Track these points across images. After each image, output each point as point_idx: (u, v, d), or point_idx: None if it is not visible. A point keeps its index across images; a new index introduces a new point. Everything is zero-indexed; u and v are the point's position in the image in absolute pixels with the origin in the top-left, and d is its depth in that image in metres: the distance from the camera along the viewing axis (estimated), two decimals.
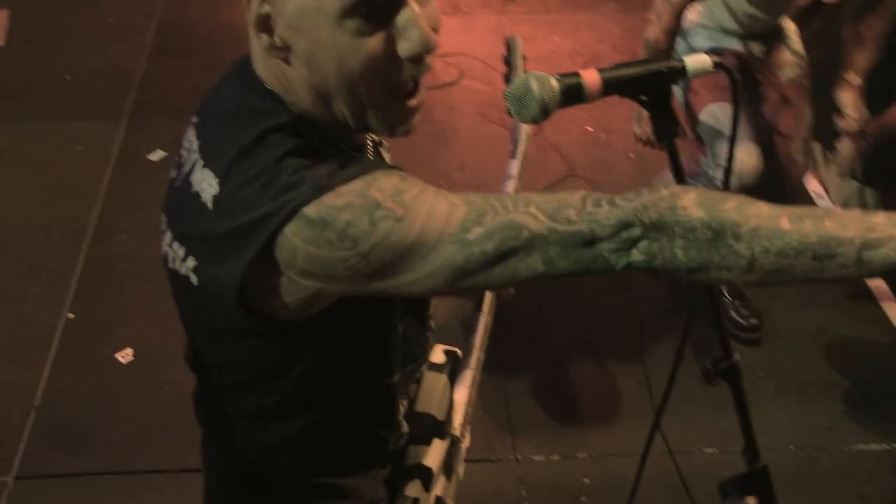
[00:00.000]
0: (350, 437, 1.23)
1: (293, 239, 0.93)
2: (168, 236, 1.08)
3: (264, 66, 1.02)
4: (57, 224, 3.17)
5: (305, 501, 1.27)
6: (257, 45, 1.00)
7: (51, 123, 3.63)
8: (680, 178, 1.23)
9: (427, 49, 0.97)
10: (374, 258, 0.93)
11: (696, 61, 1.13)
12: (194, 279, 1.03)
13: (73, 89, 3.81)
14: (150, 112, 3.72)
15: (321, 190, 0.92)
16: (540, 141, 3.63)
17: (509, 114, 1.12)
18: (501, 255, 0.92)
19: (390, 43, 0.96)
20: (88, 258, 3.04)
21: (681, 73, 1.12)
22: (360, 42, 0.94)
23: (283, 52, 0.98)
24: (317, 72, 0.97)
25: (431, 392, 1.40)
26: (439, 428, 1.41)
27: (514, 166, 1.80)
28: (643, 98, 1.14)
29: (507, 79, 1.75)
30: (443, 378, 1.43)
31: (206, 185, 0.99)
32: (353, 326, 1.09)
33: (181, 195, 1.04)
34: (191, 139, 1.07)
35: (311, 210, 0.92)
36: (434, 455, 1.38)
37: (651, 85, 1.13)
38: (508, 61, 1.80)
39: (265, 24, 0.96)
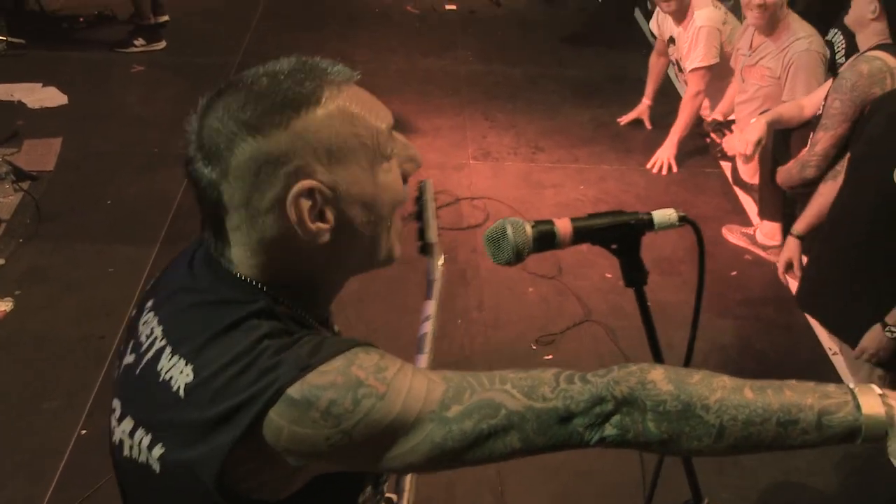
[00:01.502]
0: None
1: (277, 420, 0.94)
2: (126, 424, 1.06)
3: (250, 256, 1.04)
4: (82, 341, 3.26)
5: None
6: (301, 237, 1.02)
7: (89, 246, 3.78)
8: (650, 327, 1.27)
9: (421, 161, 1.13)
10: (357, 435, 0.94)
11: (663, 215, 1.20)
12: (157, 467, 1.01)
13: (113, 214, 3.98)
14: (184, 239, 3.83)
15: (304, 370, 0.94)
16: (559, 285, 3.69)
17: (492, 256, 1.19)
18: (480, 434, 0.95)
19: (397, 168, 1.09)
20: (107, 376, 3.12)
21: (648, 225, 1.19)
22: (394, 176, 1.07)
23: (326, 232, 1.02)
24: (370, 228, 1.06)
25: None
26: None
27: (431, 307, 1.80)
28: (613, 247, 1.21)
29: (417, 217, 1.82)
30: None
31: (177, 372, 0.99)
32: (322, 500, 1.08)
33: (144, 382, 1.03)
34: (151, 324, 1.07)
35: (294, 390, 0.93)
36: None
37: (620, 235, 1.20)
38: (419, 203, 1.86)
39: (322, 218, 1.02)
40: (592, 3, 6.79)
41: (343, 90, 1.03)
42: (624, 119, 5.02)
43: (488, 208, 4.19)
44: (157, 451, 1.01)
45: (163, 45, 5.55)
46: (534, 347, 3.39)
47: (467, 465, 0.96)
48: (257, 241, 1.03)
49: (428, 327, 1.78)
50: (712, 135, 4.71)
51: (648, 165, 4.60)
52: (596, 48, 5.99)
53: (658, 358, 1.30)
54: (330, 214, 1.02)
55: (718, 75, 4.50)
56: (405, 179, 1.10)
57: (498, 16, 6.50)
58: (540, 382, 0.97)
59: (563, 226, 1.16)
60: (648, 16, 5.58)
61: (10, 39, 5.04)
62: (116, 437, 1.08)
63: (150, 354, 1.04)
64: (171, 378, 0.99)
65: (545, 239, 1.16)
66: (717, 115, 4.70)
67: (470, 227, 4.07)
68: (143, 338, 1.07)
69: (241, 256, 1.04)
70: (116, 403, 1.09)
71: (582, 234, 1.17)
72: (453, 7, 6.56)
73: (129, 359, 1.09)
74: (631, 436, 0.96)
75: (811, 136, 3.40)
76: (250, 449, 0.95)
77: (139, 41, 5.44)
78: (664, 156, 4.58)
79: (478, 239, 4.01)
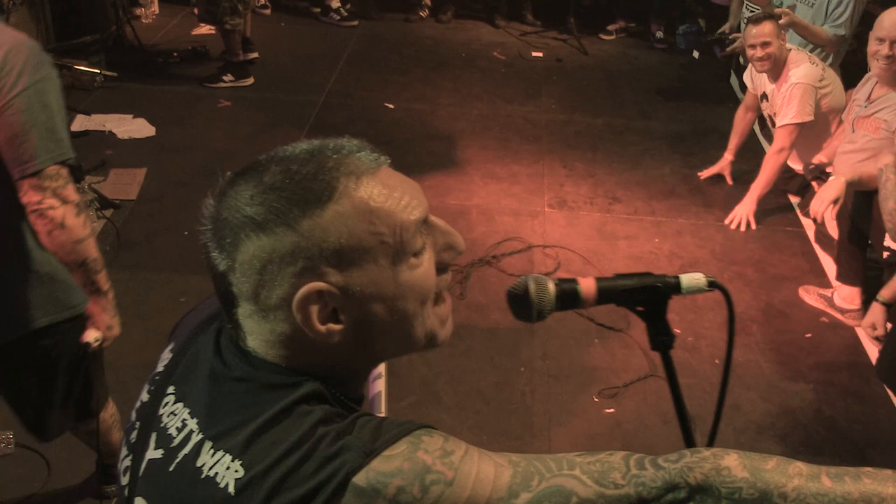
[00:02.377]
0: None
1: None
2: None
3: (269, 346, 0.98)
4: (144, 368, 3.35)
5: None
6: (311, 337, 0.96)
7: (163, 275, 3.90)
8: (676, 393, 1.26)
9: (463, 248, 1.05)
10: None
11: (691, 279, 1.18)
12: None
13: (188, 245, 4.09)
14: None
15: (367, 455, 0.90)
16: (626, 339, 3.65)
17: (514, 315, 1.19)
18: None
19: (433, 255, 1.02)
20: None
21: (675, 289, 1.18)
22: (423, 269, 0.99)
23: (337, 334, 0.97)
24: (390, 326, 0.99)
25: None
26: None
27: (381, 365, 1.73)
28: (639, 309, 1.20)
29: None
30: None
31: (223, 469, 0.92)
32: None
33: (183, 481, 0.96)
34: (181, 416, 1.01)
35: (360, 479, 0.88)
36: None
37: (646, 297, 1.19)
38: None
39: (334, 317, 0.96)
40: (687, 58, 6.73)
41: (363, 182, 0.96)
42: (705, 173, 4.95)
43: (560, 257, 4.18)
44: None
45: (251, 81, 5.74)
46: (596, 400, 3.35)
47: None
48: (270, 333, 0.97)
49: (381, 384, 1.68)
50: (811, 182, 4.58)
51: (727, 221, 4.52)
52: (681, 102, 5.95)
53: (683, 423, 1.27)
54: (343, 315, 0.96)
55: (812, 132, 4.40)
56: (445, 269, 1.03)
57: (584, 65, 6.51)
58: (610, 468, 0.94)
59: (588, 286, 1.16)
60: (741, 69, 5.51)
61: (105, 73, 5.27)
62: None
63: (186, 450, 0.97)
64: (216, 475, 0.92)
65: (568, 298, 1.16)
66: (822, 158, 4.56)
67: (540, 275, 4.05)
68: (172, 430, 1.00)
69: (258, 345, 0.99)
70: (141, 502, 1.01)
71: (606, 294, 1.17)
72: (540, 55, 6.60)
73: (154, 454, 1.01)
74: None
75: None
76: None
77: (228, 77, 5.65)
78: (743, 212, 4.49)
79: None
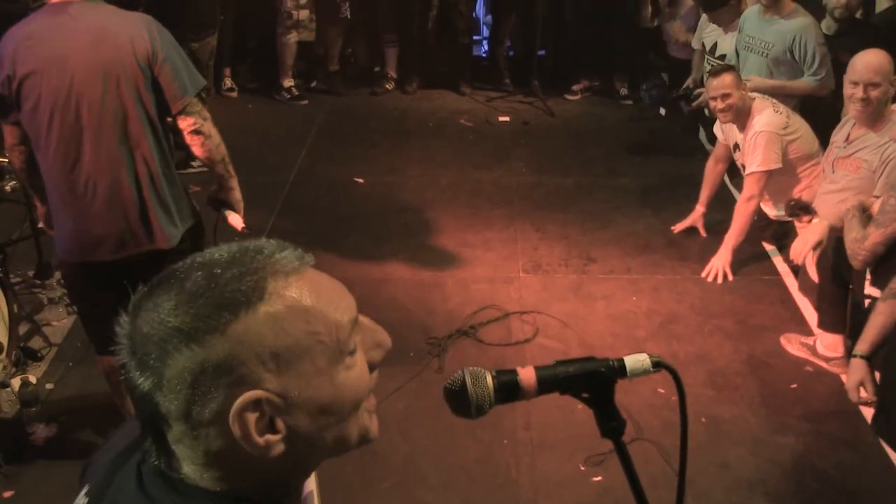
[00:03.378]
0: None
1: None
2: None
3: (201, 469, 0.93)
4: None
5: None
6: (248, 452, 0.91)
7: None
8: (635, 484, 1.19)
9: (389, 345, 1.02)
10: None
11: (636, 361, 1.13)
12: None
13: None
14: None
15: None
16: None
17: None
18: None
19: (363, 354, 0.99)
20: None
21: (620, 372, 1.12)
22: (357, 370, 0.97)
23: (278, 443, 0.92)
24: (328, 432, 0.94)
25: None
26: None
27: (312, 482, 1.69)
28: (584, 395, 1.14)
29: None
30: None
31: None
32: None
33: None
34: None
35: None
36: None
37: (591, 383, 1.14)
38: None
39: (271, 428, 0.91)
40: (653, 113, 6.77)
41: (292, 281, 0.92)
42: (678, 227, 4.93)
43: (538, 323, 4.13)
44: None
45: None
46: (582, 468, 3.27)
47: None
48: (203, 454, 0.91)
49: (311, 484, 1.65)
50: (789, 217, 4.55)
51: (703, 274, 4.49)
52: (650, 157, 5.97)
53: None
54: (281, 424, 0.91)
55: (783, 177, 4.38)
56: (372, 368, 1.00)
57: (551, 126, 6.55)
58: None
59: (527, 376, 1.11)
60: (708, 122, 5.54)
61: None
62: None
63: None
64: None
65: (507, 390, 1.11)
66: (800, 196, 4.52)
67: (518, 342, 4.00)
68: None
69: (191, 470, 0.92)
70: None
71: (548, 383, 1.11)
72: (506, 119, 6.64)
73: None
74: None
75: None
76: None
77: (195, 163, 5.61)
78: (719, 263, 4.46)
79: (527, 354, 3.93)
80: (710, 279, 4.46)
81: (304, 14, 6.70)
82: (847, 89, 3.82)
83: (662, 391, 3.63)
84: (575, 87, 7.04)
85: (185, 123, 2.74)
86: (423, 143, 6.23)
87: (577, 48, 7.04)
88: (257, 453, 0.90)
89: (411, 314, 4.20)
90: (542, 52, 7.15)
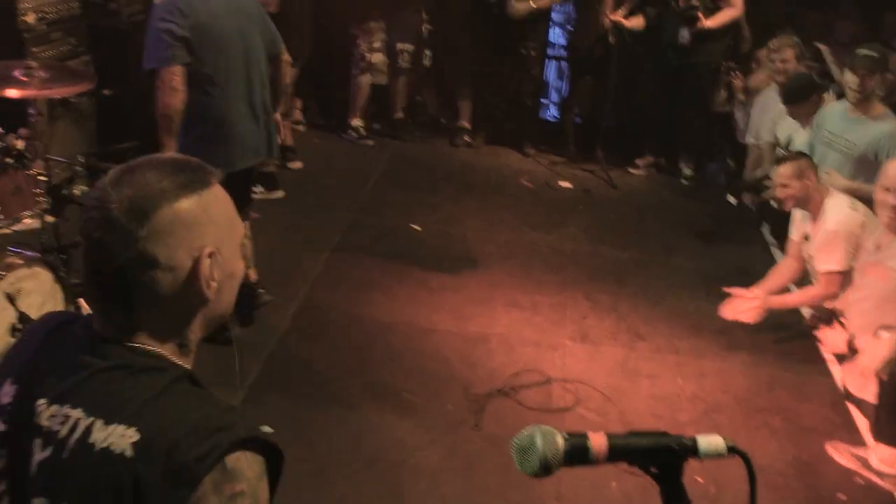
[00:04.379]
0: None
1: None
2: None
3: (162, 327, 1.22)
4: None
5: None
6: (196, 294, 1.22)
7: None
8: None
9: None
10: None
11: (710, 443, 1.10)
12: None
13: (204, 359, 4.04)
14: (270, 388, 3.89)
15: (239, 445, 1.12)
16: (645, 483, 3.46)
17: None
18: None
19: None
20: None
21: (692, 451, 1.09)
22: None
23: (212, 294, 1.23)
24: (229, 293, 1.28)
25: None
26: None
27: None
28: (653, 470, 1.11)
29: None
30: None
31: (116, 437, 1.10)
32: None
33: (77, 461, 1.12)
34: (63, 412, 1.15)
35: (230, 460, 1.10)
36: None
37: (660, 459, 1.11)
38: None
39: (211, 277, 1.22)
40: (716, 196, 6.69)
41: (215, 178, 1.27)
42: (731, 313, 4.82)
43: (580, 393, 4.06)
44: None
45: (281, 194, 5.79)
46: None
47: None
48: (163, 300, 1.20)
49: None
50: (814, 328, 4.48)
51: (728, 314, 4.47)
52: (708, 240, 5.89)
53: None
54: (217, 275, 1.23)
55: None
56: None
57: (612, 197, 6.53)
58: None
59: (599, 442, 1.09)
60: (773, 213, 5.44)
61: None
62: None
63: (76, 435, 1.13)
64: (109, 445, 1.10)
65: (577, 454, 1.08)
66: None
67: (559, 409, 3.94)
68: (55, 427, 1.15)
69: (155, 331, 1.21)
70: (40, 501, 1.14)
71: (618, 452, 1.09)
72: (568, 185, 6.64)
73: (43, 454, 1.15)
74: None
75: None
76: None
77: (258, 188, 5.66)
78: (758, 302, 4.37)
79: (565, 422, 3.86)
80: (729, 316, 4.46)
81: (377, 58, 6.82)
82: (878, 194, 3.76)
83: (701, 480, 3.54)
84: (639, 162, 7.03)
85: (285, 57, 4.08)
86: (484, 197, 6.25)
87: (646, 123, 7.05)
88: (202, 296, 1.22)
89: (453, 367, 4.17)
90: (609, 123, 7.18)
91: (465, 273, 5.09)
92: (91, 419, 1.12)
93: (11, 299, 3.18)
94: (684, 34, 6.26)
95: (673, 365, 4.39)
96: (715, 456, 1.09)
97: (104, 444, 1.09)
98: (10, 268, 3.31)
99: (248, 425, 1.14)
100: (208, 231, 1.21)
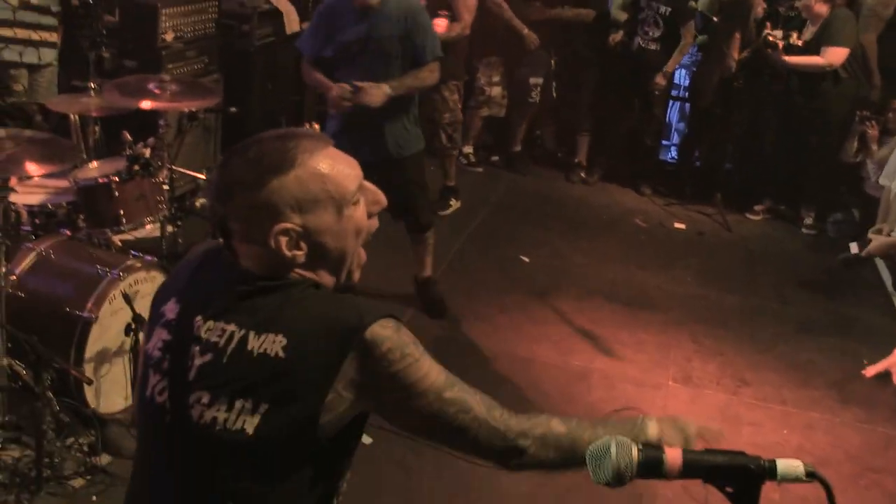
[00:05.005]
0: None
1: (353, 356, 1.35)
2: (222, 403, 1.36)
3: (267, 270, 1.41)
4: None
5: None
6: (283, 258, 1.40)
7: None
8: None
9: (384, 202, 1.52)
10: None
11: (788, 466, 1.09)
12: (251, 429, 1.33)
13: None
14: None
15: (375, 319, 1.37)
16: None
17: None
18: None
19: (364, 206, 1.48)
20: None
21: (769, 473, 1.09)
22: (359, 213, 1.46)
23: (302, 257, 1.40)
24: (336, 253, 1.44)
25: None
26: None
27: None
28: (728, 490, 1.11)
29: None
30: None
31: (269, 343, 1.34)
32: (343, 449, 1.45)
33: (237, 364, 1.36)
34: (220, 326, 1.39)
35: (369, 332, 1.35)
36: None
37: (737, 478, 1.10)
38: None
39: (297, 246, 1.40)
40: (836, 247, 6.45)
41: (316, 154, 1.40)
42: (872, 370, 4.60)
43: None
44: (262, 408, 1.33)
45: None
46: None
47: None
48: (258, 256, 1.41)
49: None
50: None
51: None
52: (824, 291, 5.68)
53: None
54: (304, 244, 1.39)
55: None
56: (370, 215, 1.49)
57: (726, 241, 6.39)
58: (496, 406, 1.46)
59: (674, 456, 1.09)
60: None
61: None
62: (208, 417, 1.36)
63: (233, 344, 1.37)
64: (265, 350, 1.34)
65: (651, 466, 1.09)
66: None
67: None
68: (214, 339, 1.38)
69: (255, 267, 1.41)
70: (202, 395, 1.37)
71: (693, 468, 1.09)
72: (682, 226, 6.55)
73: (202, 359, 1.39)
74: None
75: None
76: (339, 382, 1.33)
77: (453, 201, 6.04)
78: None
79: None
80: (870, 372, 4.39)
81: (496, 91, 6.90)
82: None
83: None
84: (757, 207, 6.85)
85: (434, 65, 4.40)
86: (594, 234, 6.23)
87: (768, 169, 6.88)
88: (288, 261, 1.40)
89: (551, 400, 4.15)
90: (729, 166, 7.02)
91: (569, 307, 5.07)
92: (244, 331, 1.36)
93: (129, 300, 3.32)
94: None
95: (779, 415, 4.26)
96: (793, 480, 1.08)
97: (261, 350, 1.33)
98: (130, 270, 3.49)
99: (370, 309, 1.38)
100: (283, 210, 1.38)
